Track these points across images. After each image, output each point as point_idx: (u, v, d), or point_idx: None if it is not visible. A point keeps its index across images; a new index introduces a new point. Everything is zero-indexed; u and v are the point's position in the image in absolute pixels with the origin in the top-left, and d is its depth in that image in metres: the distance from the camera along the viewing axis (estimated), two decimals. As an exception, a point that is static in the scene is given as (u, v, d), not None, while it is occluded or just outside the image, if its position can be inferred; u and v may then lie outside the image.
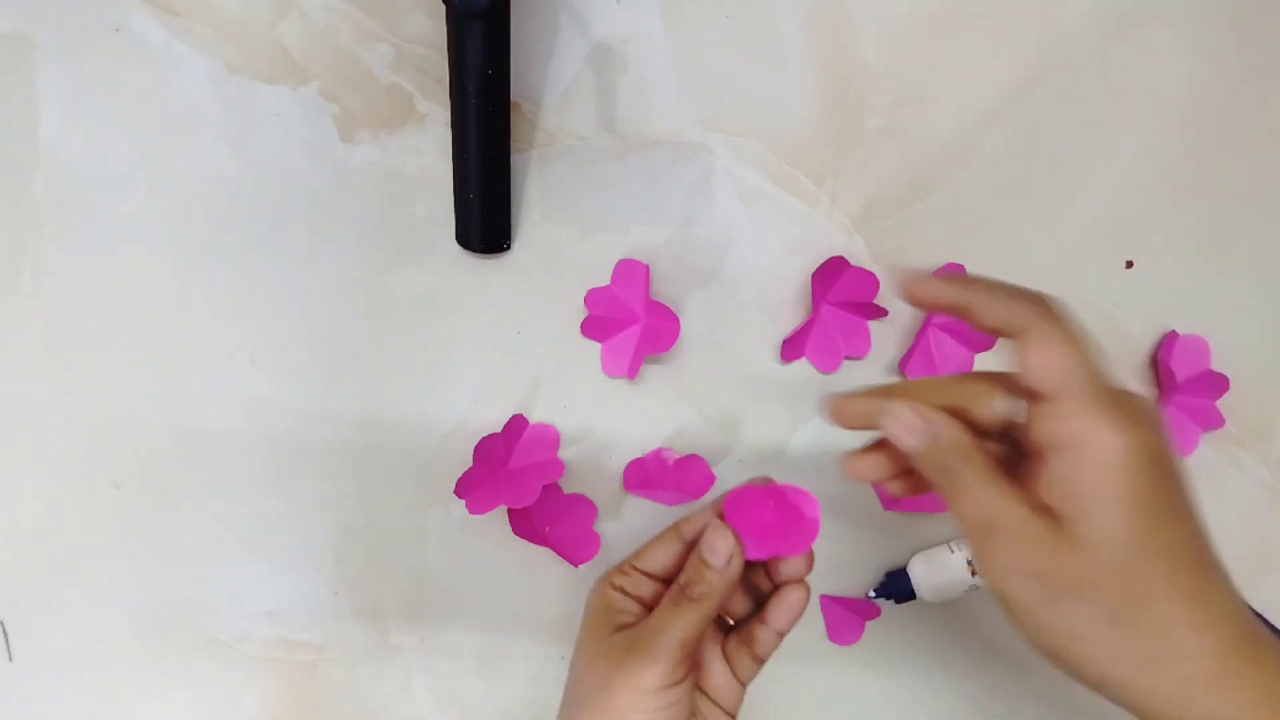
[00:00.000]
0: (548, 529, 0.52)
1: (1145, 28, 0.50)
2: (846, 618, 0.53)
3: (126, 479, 0.52)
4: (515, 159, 0.50)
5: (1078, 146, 0.51)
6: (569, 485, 0.53)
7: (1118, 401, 0.30)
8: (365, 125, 0.50)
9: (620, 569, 0.42)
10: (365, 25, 0.50)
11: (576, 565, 0.52)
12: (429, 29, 0.50)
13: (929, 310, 0.36)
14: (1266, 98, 0.51)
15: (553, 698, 0.53)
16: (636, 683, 0.36)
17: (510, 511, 0.52)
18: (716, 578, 0.38)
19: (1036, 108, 0.51)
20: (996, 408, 0.33)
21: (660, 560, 0.41)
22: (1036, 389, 0.31)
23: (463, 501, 0.49)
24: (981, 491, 0.31)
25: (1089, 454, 0.29)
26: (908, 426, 0.33)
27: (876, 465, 0.36)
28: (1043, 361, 0.31)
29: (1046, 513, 0.30)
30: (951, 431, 0.32)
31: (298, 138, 0.50)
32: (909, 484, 0.36)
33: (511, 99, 0.48)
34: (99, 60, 0.50)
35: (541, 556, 0.53)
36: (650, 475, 0.52)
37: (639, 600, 0.41)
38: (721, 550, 0.38)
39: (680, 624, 0.37)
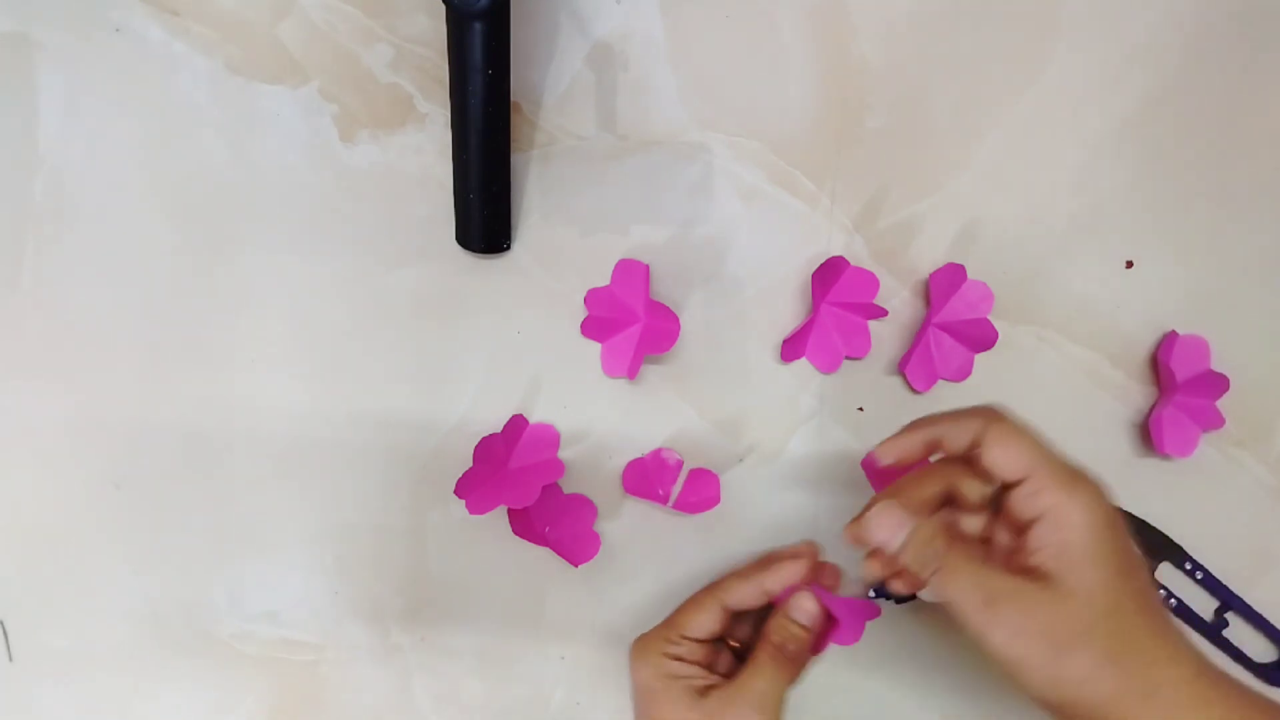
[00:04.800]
0: (548, 529, 0.52)
1: (1145, 27, 0.50)
2: (846, 618, 0.53)
3: (126, 479, 0.52)
4: (515, 159, 0.50)
5: (1077, 146, 0.51)
6: (569, 485, 0.53)
7: (1075, 475, 0.36)
8: (365, 125, 0.50)
9: (667, 639, 0.43)
10: (365, 25, 0.50)
11: (576, 565, 0.52)
12: (429, 29, 0.50)
13: (909, 466, 0.41)
14: (1266, 98, 0.51)
15: (553, 698, 0.54)
16: None
17: (510, 511, 0.52)
18: (806, 636, 0.42)
19: (1037, 108, 0.51)
20: (975, 491, 0.38)
21: (707, 627, 0.43)
22: (1006, 478, 0.37)
23: (463, 501, 0.49)
24: (972, 570, 0.36)
25: (1065, 519, 0.35)
26: (889, 526, 0.37)
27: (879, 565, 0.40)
28: (1005, 454, 0.37)
29: (1034, 576, 0.35)
30: (929, 522, 0.37)
31: (298, 138, 0.50)
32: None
33: (511, 99, 0.48)
34: (99, 60, 0.50)
35: (541, 556, 0.53)
36: (650, 476, 0.52)
37: (699, 664, 0.43)
38: (811, 610, 0.42)
39: (782, 679, 0.40)
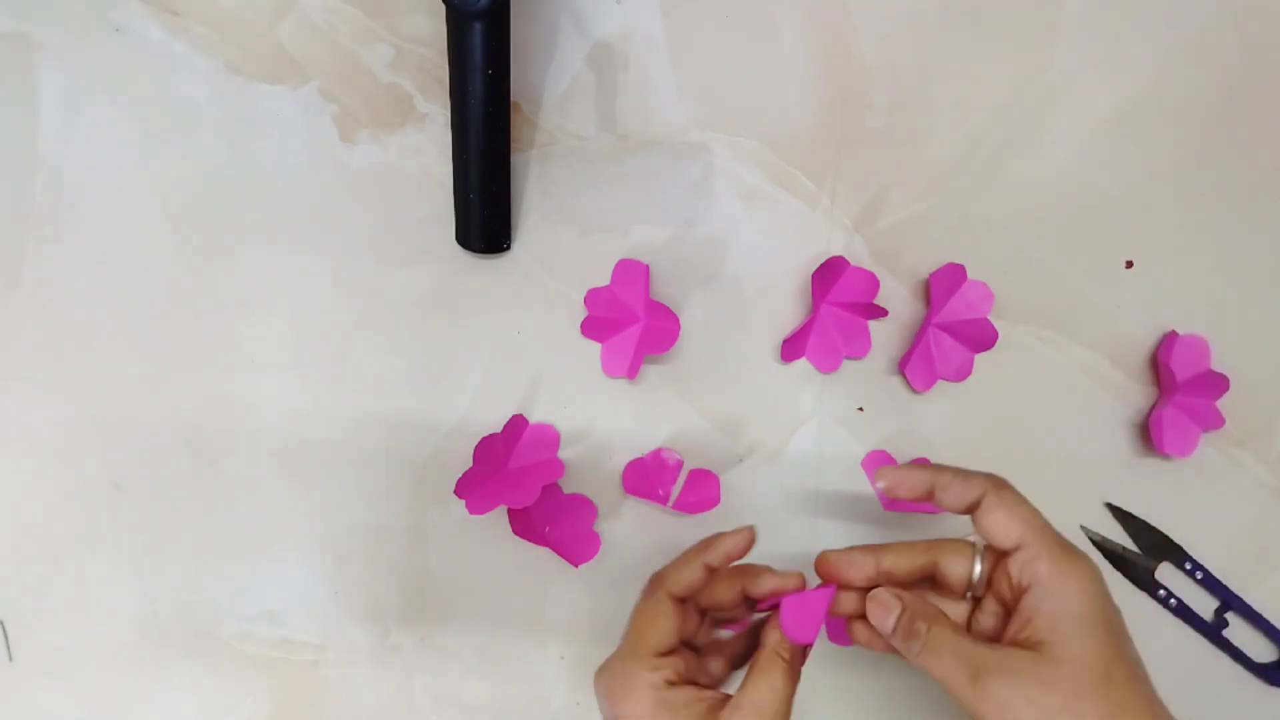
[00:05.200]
0: (548, 529, 0.52)
1: (1144, 27, 0.50)
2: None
3: (126, 479, 0.52)
4: (515, 159, 0.50)
5: (1078, 146, 0.51)
6: (569, 485, 0.53)
7: (1068, 547, 0.37)
8: (365, 125, 0.50)
9: (647, 667, 0.39)
10: (365, 25, 0.50)
11: (576, 565, 0.52)
12: (429, 29, 0.50)
13: (904, 499, 0.41)
14: (1267, 98, 0.51)
15: (553, 698, 0.54)
16: None
17: (510, 511, 0.52)
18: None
19: (1036, 108, 0.51)
20: (957, 572, 0.39)
21: (667, 632, 0.41)
22: (1000, 546, 0.37)
23: (463, 501, 0.49)
24: (958, 644, 0.36)
25: (1059, 588, 0.35)
26: (880, 613, 0.38)
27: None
28: (1002, 523, 0.37)
29: (1025, 645, 0.35)
30: (915, 601, 0.38)
31: (298, 138, 0.50)
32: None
33: (511, 99, 0.48)
34: (99, 60, 0.50)
35: (541, 556, 0.53)
36: (650, 476, 0.52)
37: (689, 683, 0.40)
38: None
39: (789, 682, 0.39)
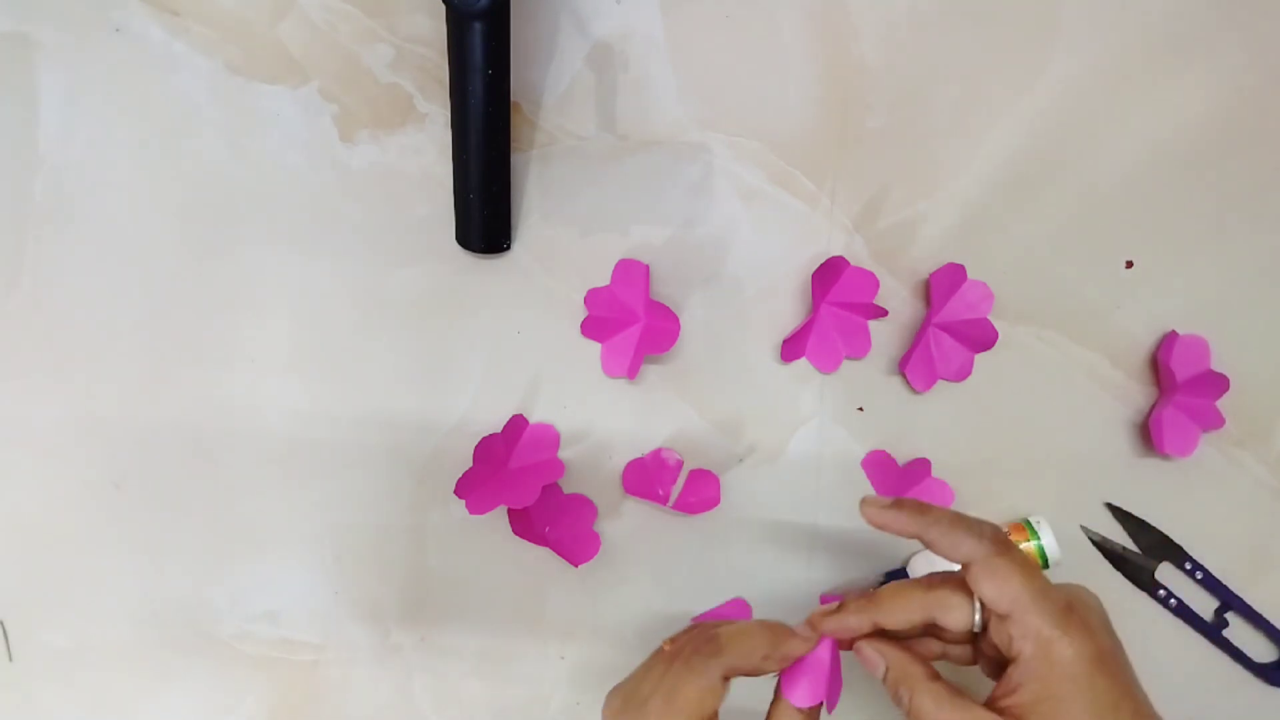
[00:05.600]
0: (548, 529, 0.52)
1: (1145, 28, 0.50)
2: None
3: (126, 479, 0.52)
4: (515, 159, 0.50)
5: (1077, 146, 0.51)
6: (569, 485, 0.53)
7: (1067, 614, 0.35)
8: (365, 125, 0.50)
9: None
10: (365, 25, 0.50)
11: (576, 565, 0.52)
12: (429, 29, 0.50)
13: (886, 529, 0.40)
14: (1267, 98, 0.51)
15: (553, 698, 0.54)
16: None
17: (510, 511, 0.52)
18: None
19: (1036, 108, 0.51)
20: (958, 623, 0.37)
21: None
22: (993, 609, 0.36)
23: (463, 501, 0.49)
24: (935, 709, 0.36)
25: (1046, 664, 0.34)
26: (870, 661, 0.38)
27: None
28: (995, 588, 0.36)
29: (1008, 714, 0.35)
30: (898, 663, 0.38)
31: (298, 138, 0.50)
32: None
33: (511, 99, 0.48)
34: (99, 60, 0.50)
35: (541, 556, 0.53)
36: (650, 476, 0.52)
37: None
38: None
39: None
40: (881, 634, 0.39)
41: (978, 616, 0.37)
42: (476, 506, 0.49)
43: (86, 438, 0.52)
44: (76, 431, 0.52)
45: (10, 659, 0.53)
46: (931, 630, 0.39)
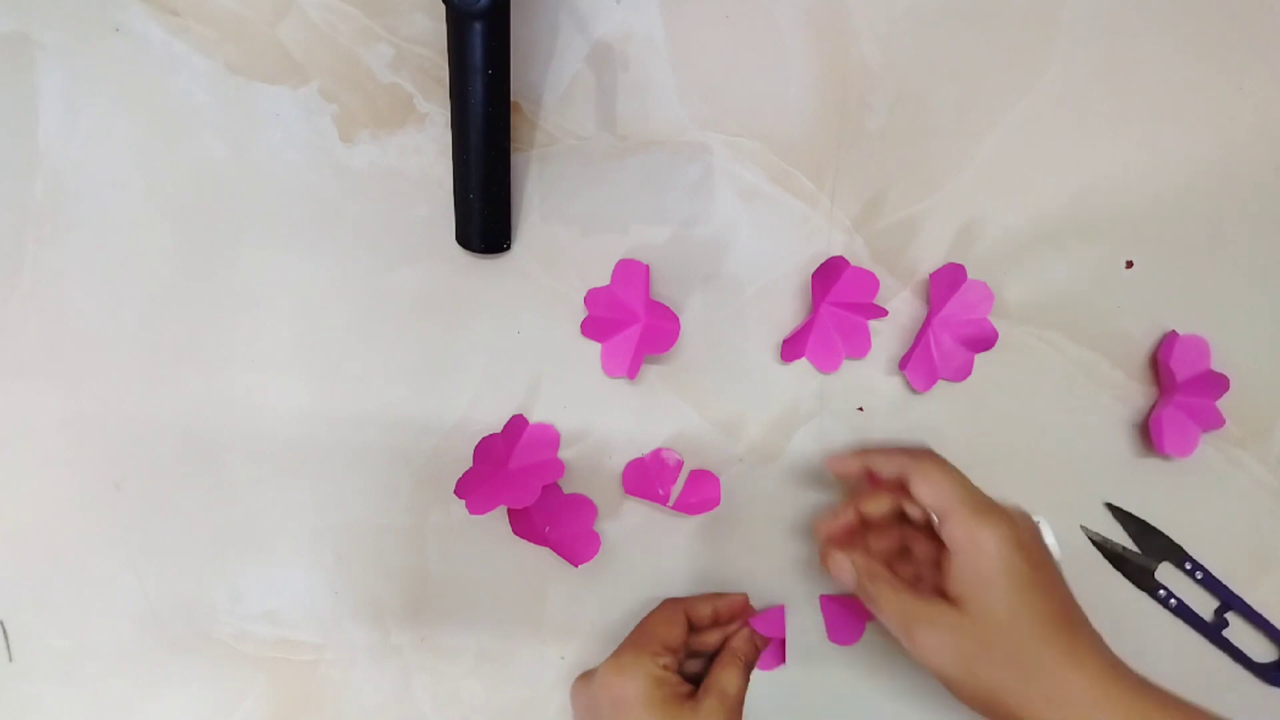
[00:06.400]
0: (548, 529, 0.52)
1: (1145, 28, 0.50)
2: (846, 618, 0.53)
3: (126, 479, 0.52)
4: (515, 159, 0.50)
5: (1078, 146, 0.51)
6: (569, 485, 0.53)
7: (989, 509, 0.41)
8: (365, 125, 0.50)
9: (653, 652, 0.47)
10: (365, 25, 0.50)
11: (576, 565, 0.52)
12: (429, 29, 0.50)
13: (846, 478, 0.49)
14: (1266, 97, 0.51)
15: (553, 698, 0.54)
16: None
17: (510, 511, 0.52)
18: (761, 649, 0.50)
19: (1036, 108, 0.51)
20: (917, 511, 0.45)
21: (678, 637, 0.48)
22: (931, 511, 0.43)
23: (463, 501, 0.49)
24: (894, 599, 0.42)
25: (972, 551, 0.40)
26: (839, 571, 0.45)
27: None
28: (930, 490, 0.43)
29: (950, 601, 0.41)
30: (864, 565, 0.44)
31: (298, 138, 0.50)
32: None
33: (511, 99, 0.48)
34: (99, 60, 0.50)
35: (541, 556, 0.53)
36: (650, 476, 0.52)
37: (676, 673, 0.47)
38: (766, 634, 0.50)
39: (744, 680, 0.47)
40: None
41: (935, 517, 0.43)
42: (476, 506, 0.49)
43: (86, 438, 0.52)
44: (76, 431, 0.52)
45: (10, 659, 0.53)
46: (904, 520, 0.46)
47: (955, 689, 0.40)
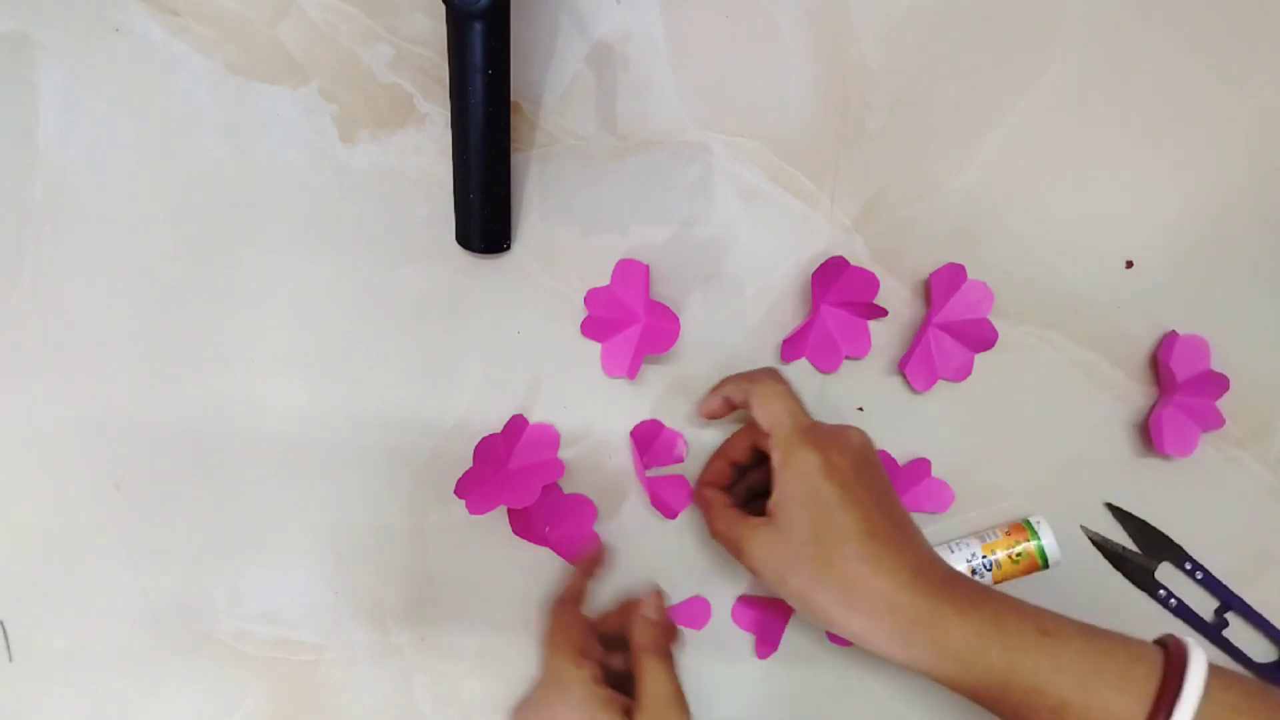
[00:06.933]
0: (548, 529, 0.52)
1: (1144, 27, 0.50)
2: (684, 611, 0.53)
3: (126, 479, 0.52)
4: (515, 159, 0.50)
5: (1078, 146, 0.51)
6: (569, 485, 0.53)
7: (809, 432, 0.44)
8: (365, 125, 0.50)
9: (578, 662, 0.45)
10: (365, 25, 0.50)
11: (576, 565, 0.52)
12: (429, 29, 0.50)
13: (715, 417, 0.50)
14: (1266, 97, 0.51)
15: (553, 698, 0.53)
16: None
17: (510, 511, 0.52)
18: (663, 627, 0.48)
19: (1036, 108, 0.51)
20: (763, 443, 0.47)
21: (594, 653, 0.48)
22: (761, 428, 0.46)
23: (463, 501, 0.49)
24: (722, 520, 0.47)
25: (784, 474, 0.44)
26: (701, 498, 0.50)
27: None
28: (762, 410, 0.46)
29: (767, 519, 0.44)
30: (707, 495, 0.49)
31: (298, 138, 0.50)
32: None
33: (511, 99, 0.48)
34: (99, 60, 0.50)
35: (541, 556, 0.53)
36: (655, 446, 0.52)
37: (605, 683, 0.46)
38: (657, 604, 0.49)
39: (671, 670, 0.46)
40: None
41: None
42: (476, 506, 0.49)
43: (86, 438, 0.52)
44: (76, 431, 0.52)
45: (10, 659, 0.53)
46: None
47: (775, 591, 0.44)
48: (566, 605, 0.50)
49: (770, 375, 0.47)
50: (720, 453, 0.50)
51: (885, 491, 0.45)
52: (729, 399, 0.49)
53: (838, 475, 0.43)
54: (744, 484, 0.51)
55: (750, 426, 0.48)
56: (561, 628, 0.48)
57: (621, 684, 0.46)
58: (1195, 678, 0.38)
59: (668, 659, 0.46)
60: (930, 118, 0.51)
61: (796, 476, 0.43)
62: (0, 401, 0.52)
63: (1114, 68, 0.51)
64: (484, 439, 0.51)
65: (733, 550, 0.46)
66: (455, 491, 0.49)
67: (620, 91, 0.51)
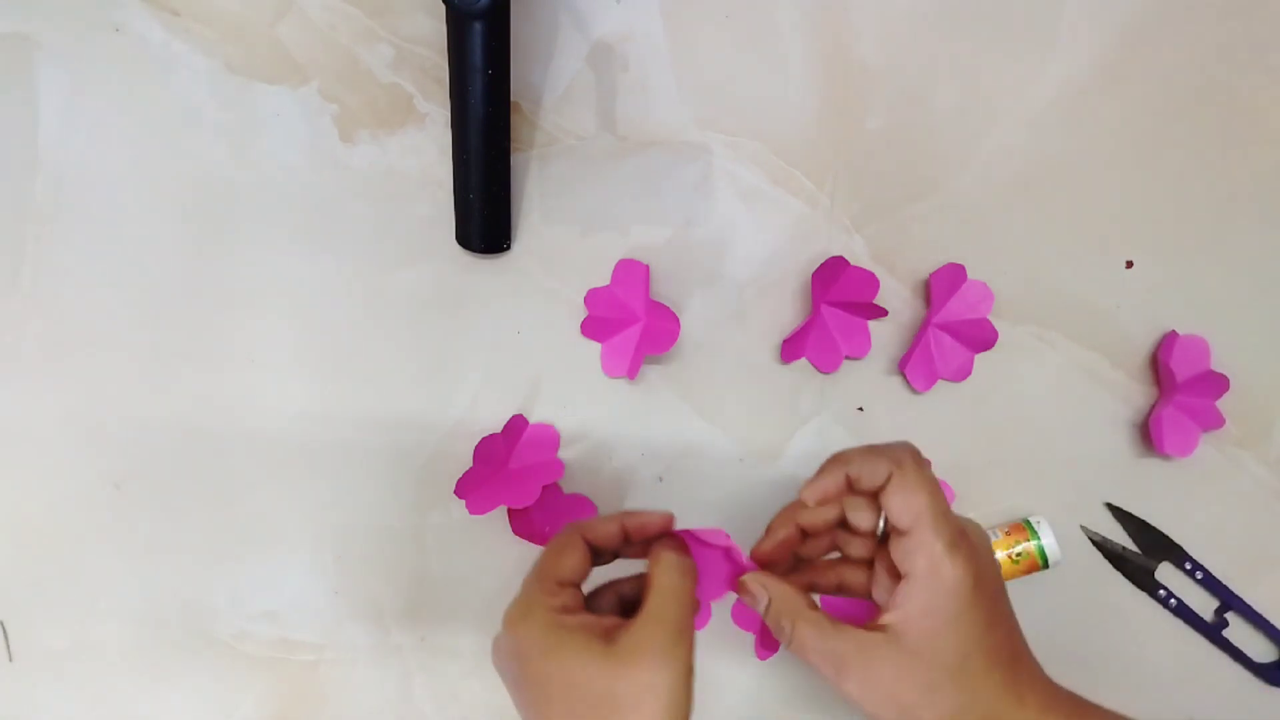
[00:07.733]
0: (548, 529, 0.52)
1: (1144, 27, 0.50)
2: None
3: (126, 479, 0.52)
4: (515, 159, 0.50)
5: (1078, 146, 0.51)
6: (569, 485, 0.53)
7: (959, 538, 0.37)
8: (365, 125, 0.50)
9: (546, 591, 0.39)
10: (365, 25, 0.50)
11: (576, 565, 0.52)
12: (429, 29, 0.50)
13: (829, 501, 0.41)
14: (1266, 98, 0.51)
15: (553, 698, 0.53)
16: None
17: (510, 511, 0.52)
18: (688, 561, 0.41)
19: (1036, 108, 0.51)
20: (865, 521, 0.40)
21: (578, 568, 0.41)
22: (896, 525, 0.38)
23: (463, 501, 0.49)
24: (818, 637, 0.38)
25: (934, 581, 0.36)
26: (752, 593, 0.40)
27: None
28: (900, 503, 0.37)
29: (885, 630, 0.37)
30: (780, 595, 0.39)
31: (298, 138, 0.50)
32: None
33: (511, 99, 0.48)
34: (99, 60, 0.50)
35: (541, 556, 0.53)
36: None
37: (585, 611, 0.40)
38: (677, 545, 0.41)
39: (686, 605, 0.39)
40: (768, 570, 0.41)
41: (882, 523, 0.39)
42: (476, 506, 0.49)
43: (86, 438, 0.52)
44: (76, 431, 0.52)
45: (10, 659, 0.53)
46: (845, 528, 0.41)
47: None
48: (572, 533, 0.41)
49: (913, 456, 0.39)
50: (784, 520, 0.41)
51: (1007, 600, 0.39)
52: (854, 479, 0.39)
53: (987, 589, 0.37)
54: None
55: (835, 497, 0.40)
56: (555, 550, 0.40)
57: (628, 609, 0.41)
58: None
59: (689, 578, 0.40)
60: (930, 118, 0.51)
61: (949, 592, 0.36)
62: (0, 401, 0.52)
63: (1114, 68, 0.51)
64: (484, 439, 0.51)
65: (827, 668, 0.37)
66: (455, 491, 0.49)
67: (620, 91, 0.51)
